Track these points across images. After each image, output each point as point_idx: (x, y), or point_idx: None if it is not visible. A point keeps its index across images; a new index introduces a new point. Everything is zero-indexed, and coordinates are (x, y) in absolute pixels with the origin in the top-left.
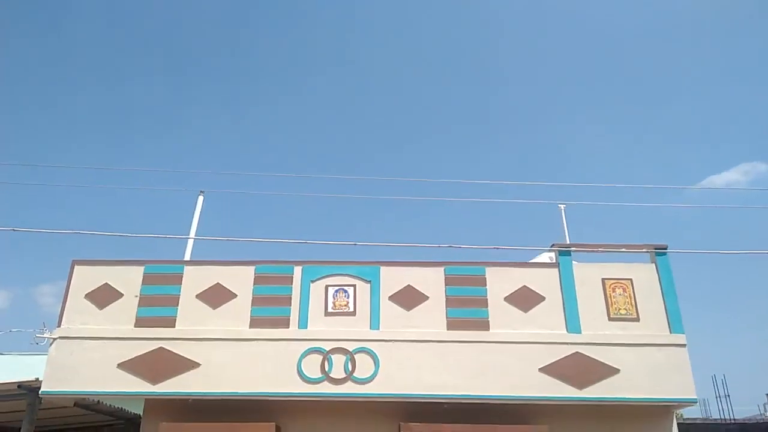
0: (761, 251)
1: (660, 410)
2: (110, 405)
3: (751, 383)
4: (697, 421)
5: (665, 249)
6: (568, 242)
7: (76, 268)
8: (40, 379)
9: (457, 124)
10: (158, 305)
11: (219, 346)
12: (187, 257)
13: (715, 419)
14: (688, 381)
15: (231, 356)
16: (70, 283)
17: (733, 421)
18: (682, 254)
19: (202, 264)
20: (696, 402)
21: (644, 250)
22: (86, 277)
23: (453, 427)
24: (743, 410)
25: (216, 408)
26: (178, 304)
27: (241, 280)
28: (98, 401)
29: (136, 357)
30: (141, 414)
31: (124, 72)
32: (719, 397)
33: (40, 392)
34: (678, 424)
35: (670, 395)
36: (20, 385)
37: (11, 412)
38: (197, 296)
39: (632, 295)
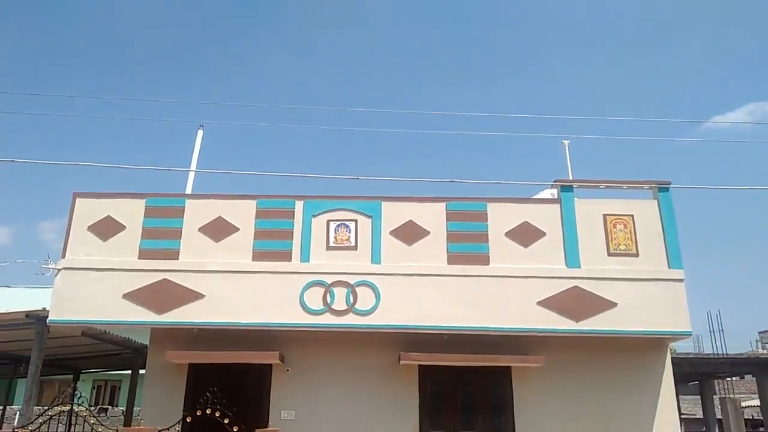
0: (761, 187)
1: (655, 343)
2: (117, 335)
3: (745, 321)
4: (690, 356)
5: (668, 185)
6: (570, 178)
7: (78, 200)
8: (47, 309)
9: (460, 60)
10: (161, 238)
11: (222, 278)
12: (188, 191)
13: (708, 354)
14: (684, 315)
15: (234, 288)
16: (72, 215)
17: (725, 356)
18: (684, 192)
19: (204, 198)
20: (690, 335)
21: (647, 186)
22: (88, 210)
23: (451, 356)
24: (736, 347)
25: (220, 337)
26: (180, 237)
27: (242, 214)
28: (105, 331)
29: (140, 288)
30: (147, 344)
31: None
32: (713, 332)
33: (47, 321)
34: (671, 358)
35: (666, 328)
36: (28, 314)
37: (21, 341)
38: (199, 229)
39: (633, 230)
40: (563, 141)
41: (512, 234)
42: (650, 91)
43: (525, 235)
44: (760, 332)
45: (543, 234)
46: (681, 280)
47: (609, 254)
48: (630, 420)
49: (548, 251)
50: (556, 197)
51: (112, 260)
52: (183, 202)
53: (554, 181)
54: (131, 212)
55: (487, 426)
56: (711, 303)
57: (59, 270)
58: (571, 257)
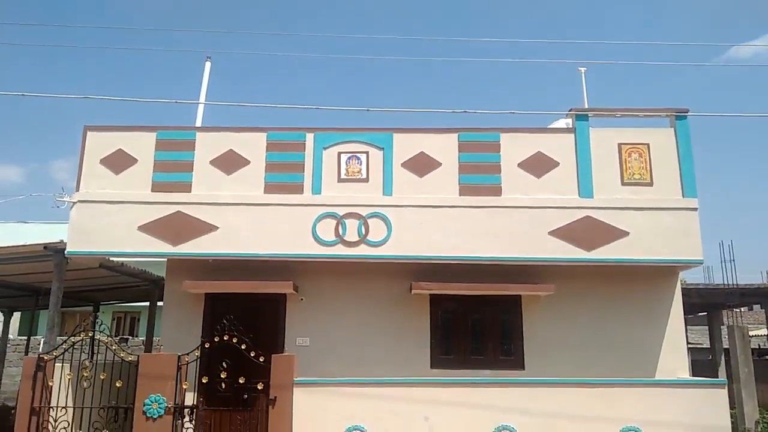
0: None
1: (666, 272)
2: (134, 267)
3: (758, 253)
4: (699, 287)
5: (686, 112)
6: (586, 107)
7: (89, 134)
8: (64, 241)
9: None
10: (173, 171)
11: (235, 210)
12: (198, 125)
13: (717, 284)
14: (696, 243)
15: (247, 220)
16: (84, 149)
17: (735, 286)
18: (700, 121)
19: (214, 130)
20: (702, 263)
21: (664, 114)
22: (99, 143)
23: (462, 286)
24: (748, 278)
25: (235, 268)
26: (192, 170)
27: (253, 146)
28: (122, 263)
29: (155, 220)
30: (164, 276)
31: None
32: (724, 262)
33: (65, 253)
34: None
35: (678, 256)
36: (46, 246)
37: (41, 273)
38: (211, 162)
39: (648, 159)
40: (579, 68)
41: (525, 164)
42: (670, 17)
43: (538, 165)
44: None
45: (556, 164)
46: (695, 209)
47: (623, 184)
48: (638, 347)
49: (561, 181)
50: (571, 127)
51: (125, 193)
52: (194, 135)
53: (569, 110)
54: (142, 145)
55: (497, 352)
56: (723, 234)
57: (74, 203)
58: (585, 187)
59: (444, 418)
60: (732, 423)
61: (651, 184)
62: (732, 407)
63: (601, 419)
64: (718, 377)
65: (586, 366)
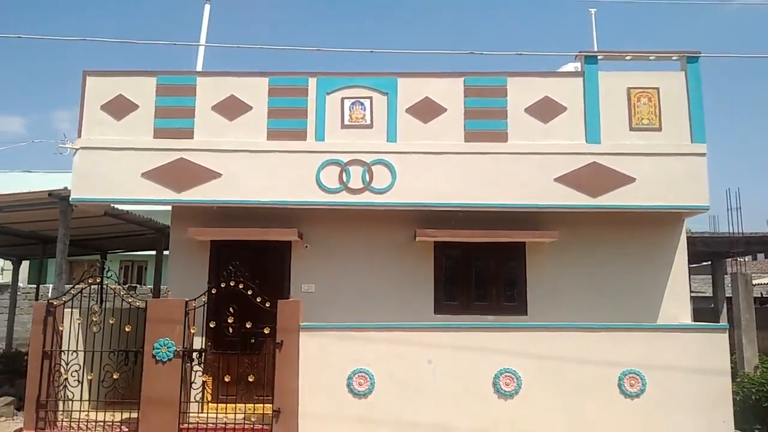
0: None
1: (671, 218)
2: (139, 215)
3: (766, 202)
4: (705, 235)
5: (698, 55)
6: (595, 50)
7: (89, 78)
8: (68, 188)
9: None
10: (175, 117)
11: (238, 157)
12: (198, 70)
13: (722, 233)
14: (703, 189)
15: (250, 167)
16: (84, 95)
17: (740, 234)
18: (710, 65)
19: (215, 75)
20: (708, 209)
21: (675, 56)
22: (100, 88)
23: (466, 233)
24: (755, 227)
25: (240, 215)
26: (194, 116)
27: (255, 92)
28: (127, 211)
29: (158, 167)
30: (168, 224)
31: None
32: (730, 209)
33: (70, 200)
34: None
35: (683, 202)
36: (50, 193)
37: (47, 221)
38: (212, 108)
39: (657, 104)
40: (590, 9)
41: (532, 110)
42: None
43: (545, 110)
44: None
45: (564, 109)
46: (703, 155)
47: (631, 129)
48: (641, 293)
49: (568, 127)
50: (580, 71)
51: (127, 139)
52: (194, 80)
53: (578, 53)
54: (143, 91)
55: (500, 298)
56: (731, 182)
57: (77, 150)
58: (592, 133)
59: (447, 361)
60: (732, 368)
61: (659, 129)
62: (733, 353)
63: (602, 363)
64: (725, 324)
65: (588, 311)
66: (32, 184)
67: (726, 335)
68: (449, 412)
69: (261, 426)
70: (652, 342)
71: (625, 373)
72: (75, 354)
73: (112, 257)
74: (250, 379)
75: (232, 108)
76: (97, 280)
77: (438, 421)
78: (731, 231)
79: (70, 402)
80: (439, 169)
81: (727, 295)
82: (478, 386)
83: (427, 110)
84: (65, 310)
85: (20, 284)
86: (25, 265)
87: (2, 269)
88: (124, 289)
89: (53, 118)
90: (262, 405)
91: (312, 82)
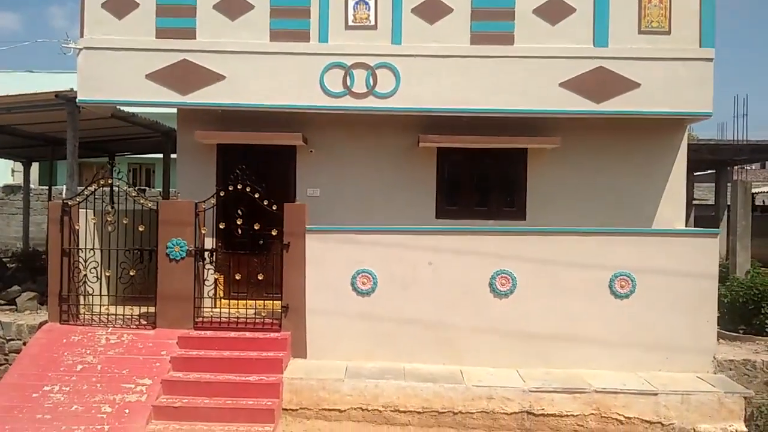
0: None
1: (673, 124)
2: (145, 118)
3: None
4: (710, 143)
5: None
6: None
7: None
8: (74, 90)
9: None
10: (176, 15)
11: (241, 59)
12: None
13: (728, 140)
14: (707, 95)
15: (254, 70)
16: None
17: (745, 142)
18: None
19: None
20: (710, 115)
21: None
22: None
23: (469, 138)
24: (764, 135)
25: (245, 119)
26: (195, 15)
27: None
28: (134, 114)
29: (162, 68)
30: (174, 127)
31: None
32: (737, 116)
33: (77, 101)
34: (690, 144)
35: (687, 108)
36: (57, 94)
37: (54, 122)
38: (214, 7)
39: (668, 6)
40: None
41: (540, 10)
42: None
43: (554, 11)
44: None
45: (573, 10)
46: (710, 60)
47: (639, 32)
48: (639, 197)
49: (576, 29)
50: None
51: (130, 39)
52: None
53: None
54: None
55: (500, 204)
56: (740, 89)
57: (80, 50)
58: (600, 35)
59: (446, 263)
60: (723, 272)
61: (669, 32)
62: (727, 258)
63: (594, 266)
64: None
65: (586, 216)
66: (36, 84)
67: (716, 240)
68: (447, 310)
69: (271, 320)
70: (643, 246)
71: (617, 275)
72: (92, 252)
73: (120, 160)
74: (260, 278)
75: (233, 7)
76: (109, 182)
77: (437, 318)
78: (736, 138)
79: (90, 297)
80: (444, 73)
81: (729, 202)
82: (475, 286)
83: (433, 10)
84: (80, 210)
85: (32, 185)
86: (35, 166)
87: (13, 171)
88: (135, 190)
89: (48, 15)
90: (271, 302)
91: None
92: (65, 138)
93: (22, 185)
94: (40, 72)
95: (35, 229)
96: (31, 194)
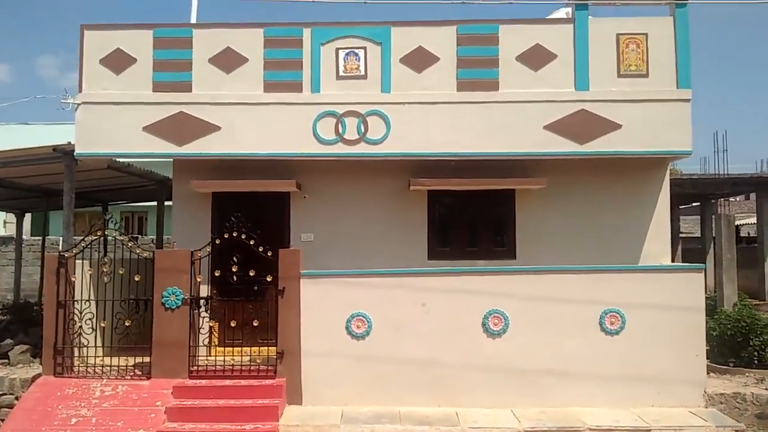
0: None
1: (655, 163)
2: (140, 168)
3: (756, 144)
4: (693, 177)
5: (686, 0)
6: None
7: (86, 33)
8: (72, 143)
9: None
10: (172, 70)
11: (236, 110)
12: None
13: (711, 174)
14: (686, 134)
15: (249, 119)
16: (82, 49)
17: (726, 176)
18: (699, 11)
19: (211, 27)
20: (690, 153)
21: (664, 2)
22: (97, 43)
23: (459, 181)
24: (744, 168)
25: (240, 168)
26: (191, 69)
27: (251, 43)
28: (129, 164)
29: (159, 121)
30: (169, 176)
31: None
32: (717, 152)
33: (75, 154)
34: (673, 179)
35: (667, 147)
36: (55, 148)
37: (49, 175)
38: (209, 60)
39: (645, 50)
40: None
41: (523, 57)
42: None
43: (536, 58)
44: None
45: (554, 56)
46: (688, 100)
47: (619, 75)
48: (625, 234)
49: (558, 74)
50: (570, 17)
51: (128, 93)
52: (190, 33)
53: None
54: (140, 44)
55: (491, 244)
56: (719, 125)
57: (78, 105)
58: (581, 80)
59: (440, 304)
60: (711, 305)
61: (647, 75)
62: (715, 291)
63: (584, 302)
64: (705, 263)
65: (575, 255)
66: (32, 137)
67: (701, 275)
68: (442, 351)
69: (266, 366)
70: (631, 282)
71: (606, 312)
72: (88, 303)
73: (112, 208)
74: (255, 324)
75: (228, 60)
76: (105, 232)
77: (431, 359)
78: (718, 173)
79: (86, 348)
80: (433, 119)
81: (714, 235)
82: (468, 326)
83: (420, 60)
84: (76, 261)
85: (24, 236)
86: (27, 217)
87: (5, 222)
88: (131, 240)
89: (37, 65)
90: (266, 348)
91: (306, 33)
92: (59, 189)
93: (15, 236)
94: (35, 124)
95: (26, 280)
96: (23, 245)
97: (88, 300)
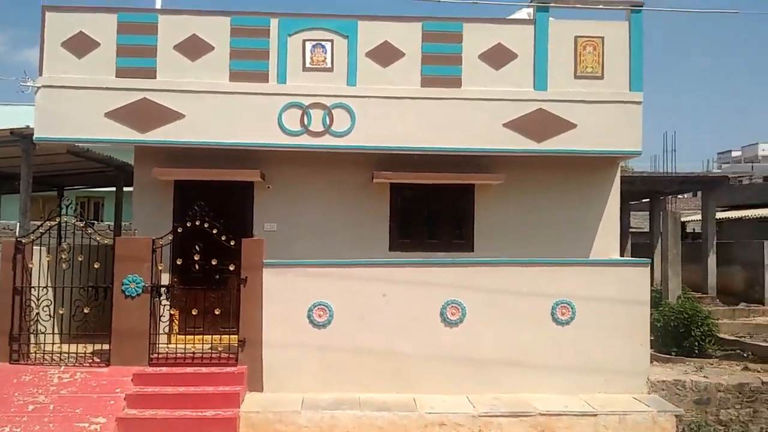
0: (731, 11)
1: (607, 161)
2: (100, 153)
3: (704, 143)
4: (644, 174)
5: (641, 6)
6: None
7: (48, 14)
8: (30, 126)
9: None
10: (137, 56)
11: (201, 98)
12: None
13: (660, 172)
14: (637, 135)
15: (213, 108)
16: (44, 31)
17: (675, 174)
18: (653, 17)
19: (177, 13)
20: (640, 153)
21: (621, 7)
22: (60, 25)
23: (420, 175)
24: (694, 166)
25: (203, 156)
26: (156, 55)
27: (217, 32)
28: (88, 149)
29: (121, 107)
30: (129, 162)
31: None
32: (666, 151)
33: (33, 138)
34: (624, 176)
35: (618, 147)
36: (12, 131)
37: (6, 158)
38: (174, 47)
39: (601, 53)
40: None
41: (485, 56)
42: None
43: (498, 57)
44: (718, 153)
45: (515, 56)
46: (639, 103)
47: (576, 77)
48: (577, 229)
49: (518, 74)
50: (531, 18)
51: (90, 78)
52: (156, 18)
53: (531, 1)
54: (103, 28)
55: (450, 236)
56: (670, 126)
57: (39, 88)
58: (540, 80)
59: (400, 294)
60: (657, 297)
61: (602, 77)
62: (661, 284)
63: (537, 294)
64: (652, 258)
65: (530, 248)
66: None
67: (647, 269)
68: (401, 340)
69: (228, 354)
70: (582, 275)
71: (558, 303)
72: (45, 290)
73: (68, 193)
74: (217, 312)
75: (194, 48)
76: (63, 218)
77: (391, 348)
78: (666, 171)
79: (43, 335)
80: (397, 113)
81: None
82: (427, 316)
83: (386, 54)
84: (33, 248)
85: None
86: None
87: None
88: (91, 227)
89: None
90: (228, 336)
91: (274, 23)
92: (13, 173)
93: None
94: None
95: None
96: None
97: (46, 287)
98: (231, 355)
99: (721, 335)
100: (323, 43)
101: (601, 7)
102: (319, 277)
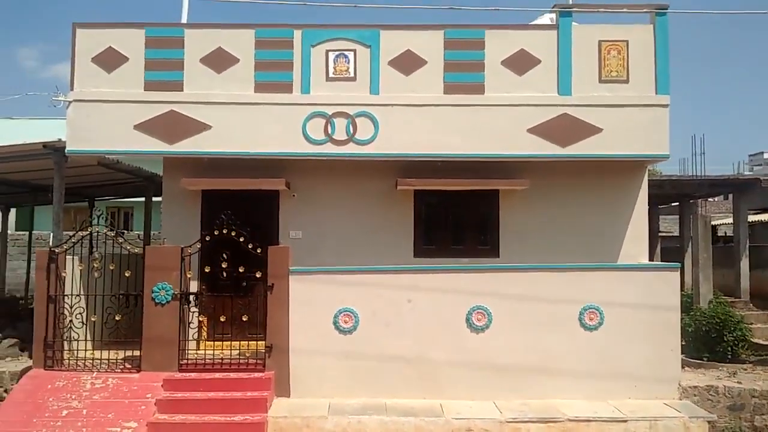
0: (761, 11)
1: (634, 165)
2: (129, 164)
3: (735, 146)
4: (672, 178)
5: (666, 9)
6: (570, 2)
7: (78, 31)
8: (62, 140)
9: None
10: (164, 69)
11: (227, 109)
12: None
13: (690, 176)
14: (664, 138)
15: (239, 119)
16: (75, 47)
17: (705, 177)
18: (678, 20)
19: (202, 27)
20: (668, 157)
21: (645, 10)
22: (89, 41)
23: (444, 181)
24: (723, 169)
25: (230, 166)
26: (183, 69)
27: (242, 44)
28: (118, 161)
29: (149, 119)
30: (158, 173)
31: None
32: (695, 154)
33: (65, 151)
34: (653, 180)
35: (645, 151)
36: (45, 145)
37: (37, 171)
38: (201, 60)
39: (626, 57)
40: None
41: (508, 62)
42: None
43: (521, 63)
44: (750, 155)
45: (538, 62)
46: (666, 106)
47: (600, 81)
48: (604, 234)
49: (542, 79)
50: (554, 23)
51: (119, 92)
52: (182, 32)
53: (553, 6)
54: (132, 43)
55: (475, 242)
56: (699, 128)
57: (70, 102)
58: (564, 85)
59: (425, 300)
60: (688, 302)
61: (627, 81)
62: (692, 288)
63: (564, 300)
64: (682, 262)
65: (556, 253)
66: (19, 131)
67: (677, 273)
68: (427, 346)
69: (255, 360)
70: (610, 280)
71: (585, 309)
72: (78, 298)
73: (98, 203)
74: (244, 319)
75: (219, 60)
76: (96, 228)
77: (416, 354)
78: (695, 174)
79: (76, 342)
80: (420, 120)
81: (692, 234)
82: (452, 322)
83: (408, 63)
84: (67, 257)
85: (8, 231)
86: (12, 212)
87: None
88: (121, 236)
89: (18, 56)
90: (255, 342)
91: (297, 35)
92: (47, 184)
93: (0, 231)
94: (20, 119)
95: (11, 275)
96: (8, 239)
97: (79, 295)
98: (258, 361)
99: (755, 340)
100: (346, 53)
101: (625, 10)
102: (345, 283)
